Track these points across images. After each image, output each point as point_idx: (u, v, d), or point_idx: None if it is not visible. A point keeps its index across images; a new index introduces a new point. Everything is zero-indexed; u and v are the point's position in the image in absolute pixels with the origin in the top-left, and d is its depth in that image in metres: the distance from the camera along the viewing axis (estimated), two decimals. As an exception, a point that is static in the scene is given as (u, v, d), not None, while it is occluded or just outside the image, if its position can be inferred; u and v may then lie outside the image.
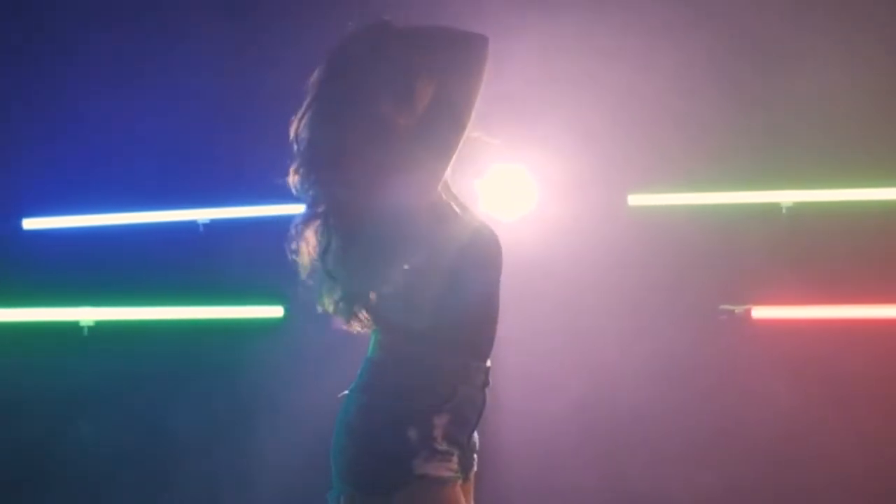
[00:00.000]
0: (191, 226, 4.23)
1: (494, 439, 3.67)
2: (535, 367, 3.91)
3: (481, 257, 2.04)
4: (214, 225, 4.23)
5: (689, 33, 3.79)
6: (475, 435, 2.12)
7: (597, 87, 3.83)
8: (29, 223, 4.31)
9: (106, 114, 4.07)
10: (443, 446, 1.98)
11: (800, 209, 3.86)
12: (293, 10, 4.01)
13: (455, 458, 2.02)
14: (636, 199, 3.95)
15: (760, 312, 3.88)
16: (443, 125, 1.96)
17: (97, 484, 4.12)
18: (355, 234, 1.97)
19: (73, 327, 4.21)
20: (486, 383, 2.09)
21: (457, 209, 2.10)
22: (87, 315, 4.22)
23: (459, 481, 2.03)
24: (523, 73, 3.82)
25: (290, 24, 3.98)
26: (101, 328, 4.21)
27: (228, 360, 4.11)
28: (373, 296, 2.01)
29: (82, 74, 4.10)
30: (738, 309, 3.85)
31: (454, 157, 1.98)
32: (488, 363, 2.10)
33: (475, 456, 2.14)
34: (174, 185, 4.19)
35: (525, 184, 3.95)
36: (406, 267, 1.96)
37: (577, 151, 3.90)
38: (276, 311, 4.13)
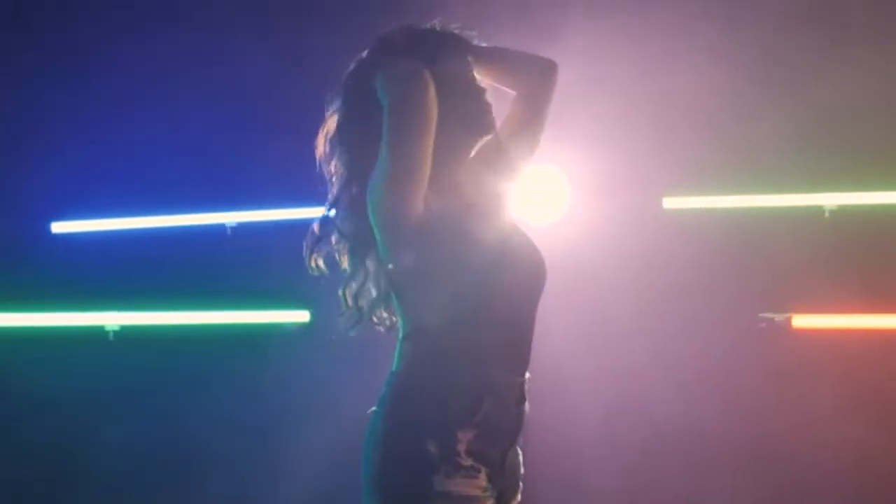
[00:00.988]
0: (219, 229, 4.21)
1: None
2: (566, 373, 3.78)
3: (503, 264, 1.94)
4: (242, 228, 4.21)
5: (726, 33, 3.70)
6: (516, 455, 2.02)
7: (632, 86, 3.74)
8: (57, 227, 4.30)
9: (134, 117, 4.06)
10: (468, 462, 1.89)
11: (844, 213, 3.75)
12: (324, 15, 3.98)
13: (483, 475, 1.92)
14: (672, 202, 3.87)
15: (801, 321, 3.77)
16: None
17: (122, 488, 4.10)
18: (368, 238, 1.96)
19: (98, 332, 4.18)
20: (520, 399, 1.99)
21: (487, 213, 2.00)
22: (112, 320, 4.20)
23: (490, 502, 1.94)
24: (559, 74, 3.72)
25: (321, 29, 3.94)
26: (126, 332, 4.19)
27: (254, 365, 4.09)
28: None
29: (112, 78, 4.08)
30: (778, 317, 3.75)
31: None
32: (524, 377, 1.99)
33: (519, 482, 2.03)
34: (202, 189, 4.17)
35: (557, 186, 3.86)
36: (391, 266, 1.92)
37: (611, 152, 3.81)
38: (302, 316, 4.09)
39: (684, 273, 3.78)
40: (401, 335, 2.00)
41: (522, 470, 2.06)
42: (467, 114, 2.01)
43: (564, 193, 3.88)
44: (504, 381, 1.96)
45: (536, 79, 2.20)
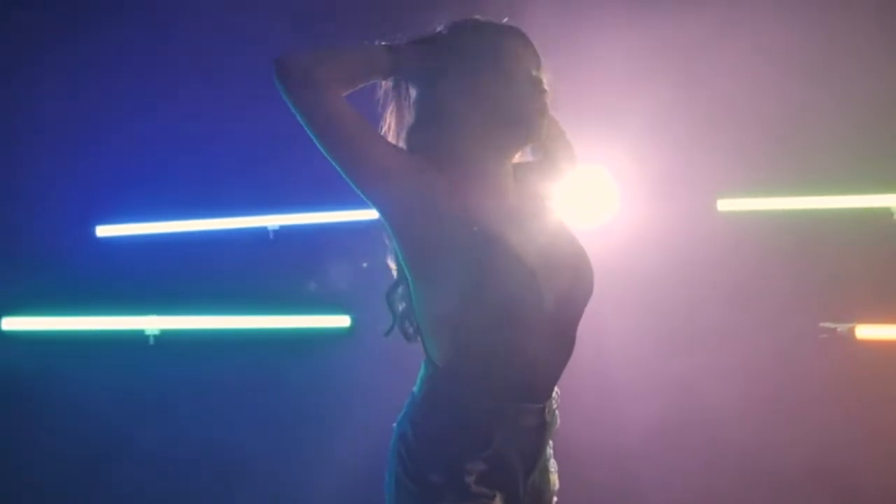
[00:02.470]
0: (261, 233, 4.16)
1: (575, 451, 3.54)
2: (616, 382, 3.69)
3: (499, 287, 1.80)
4: (284, 232, 4.15)
5: (782, 30, 3.55)
6: (544, 473, 1.93)
7: (684, 83, 3.61)
8: (102, 230, 4.28)
9: (180, 121, 4.03)
10: (479, 489, 1.82)
11: (913, 215, 3.59)
12: (361, 18, 3.90)
13: (498, 500, 1.84)
14: (726, 204, 3.73)
15: (866, 332, 3.60)
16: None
17: (160, 491, 4.06)
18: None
19: (139, 336, 4.15)
20: (542, 423, 1.88)
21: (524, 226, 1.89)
22: (152, 324, 4.16)
23: None
24: (607, 69, 3.64)
25: (359, 32, 3.85)
26: (166, 336, 4.15)
27: (294, 370, 4.03)
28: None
29: (158, 82, 4.06)
30: (841, 327, 3.58)
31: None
32: (544, 403, 1.88)
33: (549, 501, 1.95)
34: (245, 192, 4.12)
35: (606, 187, 3.73)
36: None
37: (663, 151, 3.68)
38: (342, 321, 4.01)
39: (739, 279, 3.64)
40: (424, 357, 1.94)
41: (556, 486, 1.98)
42: (514, 117, 1.89)
43: (613, 195, 3.75)
44: (520, 411, 1.86)
45: None
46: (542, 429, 1.90)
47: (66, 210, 4.20)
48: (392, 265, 1.97)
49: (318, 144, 1.81)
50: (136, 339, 4.15)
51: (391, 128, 1.97)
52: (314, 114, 1.78)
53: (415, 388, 1.92)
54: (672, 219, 3.71)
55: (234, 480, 4.04)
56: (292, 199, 4.07)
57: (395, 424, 1.93)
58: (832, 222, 3.62)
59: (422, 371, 1.92)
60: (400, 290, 1.95)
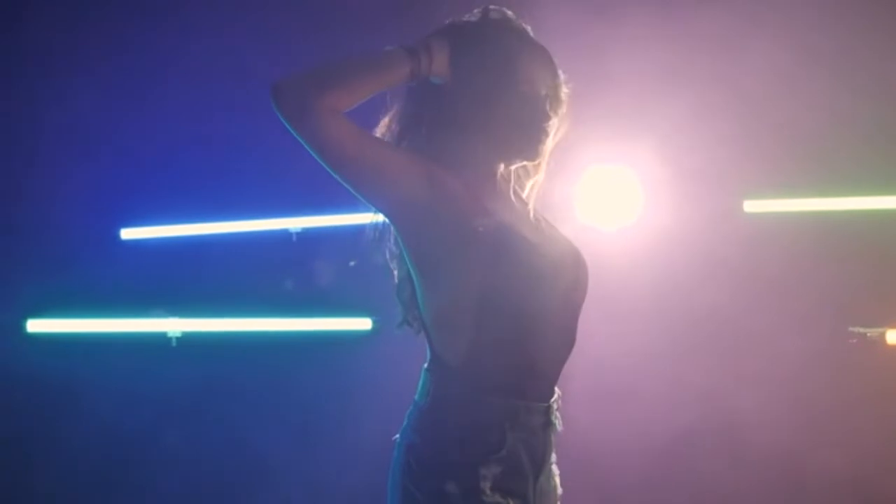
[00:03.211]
0: (284, 235, 4.14)
1: (597, 456, 3.54)
2: (640, 385, 3.62)
3: (519, 274, 1.80)
4: (307, 234, 4.13)
5: (811, 30, 3.47)
6: (549, 478, 1.91)
7: (711, 83, 3.53)
8: (127, 233, 4.28)
9: (203, 124, 4.04)
10: (493, 497, 1.78)
11: (947, 217, 3.49)
12: (388, 21, 3.87)
13: None
14: (753, 205, 3.64)
15: None
16: None
17: (182, 492, 4.05)
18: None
19: (161, 338, 4.14)
20: (547, 423, 1.87)
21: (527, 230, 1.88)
22: (174, 326, 4.15)
23: None
24: (630, 63, 3.57)
25: (381, 36, 3.83)
26: (188, 339, 4.13)
27: (315, 373, 4.01)
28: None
29: (181, 85, 4.05)
30: (871, 332, 3.49)
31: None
32: (549, 402, 1.87)
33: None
34: (268, 194, 4.11)
35: (629, 187, 3.66)
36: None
37: (689, 152, 3.59)
38: (364, 324, 3.97)
39: (766, 282, 3.56)
40: (425, 363, 1.92)
41: (560, 491, 1.95)
42: (520, 133, 1.89)
43: (637, 196, 3.67)
44: (528, 409, 1.84)
45: None
46: (547, 429, 1.88)
47: (90, 213, 4.20)
48: (393, 265, 1.96)
49: (319, 162, 1.80)
50: (158, 341, 4.14)
51: (392, 128, 1.94)
52: (312, 141, 1.78)
53: (417, 397, 1.90)
54: (698, 220, 3.63)
55: (256, 482, 4.04)
56: (315, 202, 4.04)
57: (397, 437, 1.90)
58: (862, 224, 3.53)
59: (424, 378, 1.90)
60: (407, 289, 1.93)
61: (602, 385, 3.64)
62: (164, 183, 4.17)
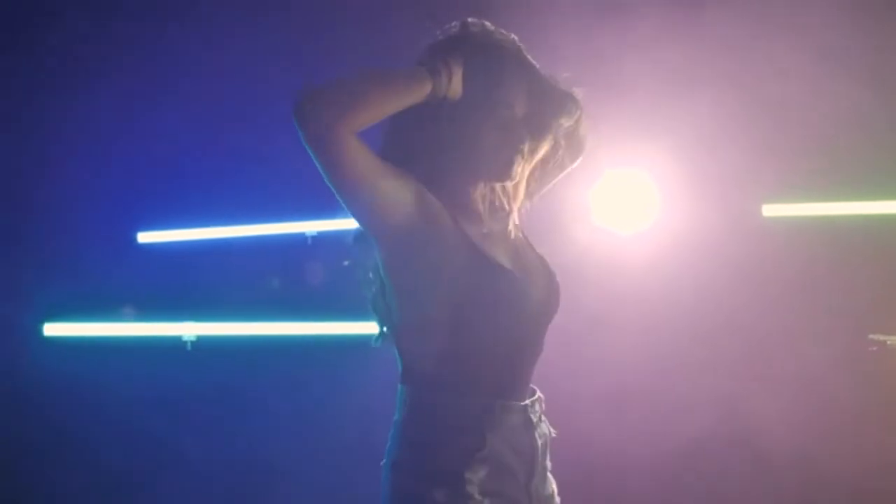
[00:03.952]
0: (299, 239, 4.13)
1: (616, 464, 3.54)
2: (657, 391, 3.59)
3: (490, 298, 1.81)
4: (323, 237, 4.10)
5: (832, 32, 3.41)
6: (544, 483, 1.92)
7: (728, 82, 3.49)
8: (143, 237, 4.28)
9: (218, 128, 4.03)
10: (484, 502, 1.79)
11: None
12: (412, 27, 3.84)
13: None
14: (772, 209, 3.60)
15: None
16: None
17: (198, 495, 4.06)
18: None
19: (176, 341, 4.14)
20: (527, 422, 1.87)
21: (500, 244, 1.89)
22: (189, 330, 4.15)
23: None
24: (646, 66, 3.52)
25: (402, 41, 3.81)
26: (204, 343, 4.13)
27: (330, 376, 4.00)
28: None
29: (198, 89, 4.04)
30: (892, 340, 3.39)
31: None
32: (525, 401, 1.88)
33: None
34: (284, 198, 4.10)
35: (645, 191, 3.63)
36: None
37: (705, 154, 3.56)
38: (377, 328, 3.94)
39: (785, 288, 3.51)
40: (399, 377, 1.93)
41: (558, 500, 1.96)
42: (487, 155, 1.87)
43: (654, 200, 3.65)
44: (505, 407, 1.85)
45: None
46: (528, 427, 1.88)
47: (107, 216, 4.21)
48: (367, 278, 1.94)
49: (322, 175, 1.77)
50: (173, 345, 4.15)
51: (387, 146, 1.91)
52: (326, 159, 1.74)
53: (396, 416, 1.90)
54: (715, 224, 3.59)
55: (270, 486, 4.03)
56: (331, 205, 4.01)
57: (383, 462, 1.89)
58: (883, 229, 3.49)
59: (399, 392, 1.90)
60: (381, 302, 1.93)
61: (617, 390, 3.60)
62: (181, 187, 4.17)
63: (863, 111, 3.42)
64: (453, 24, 1.93)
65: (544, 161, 1.98)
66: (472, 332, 1.82)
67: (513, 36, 1.93)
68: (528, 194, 2.02)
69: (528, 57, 1.92)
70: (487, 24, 1.93)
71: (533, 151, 1.92)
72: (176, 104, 4.06)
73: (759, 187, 3.58)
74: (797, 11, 3.44)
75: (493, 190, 1.96)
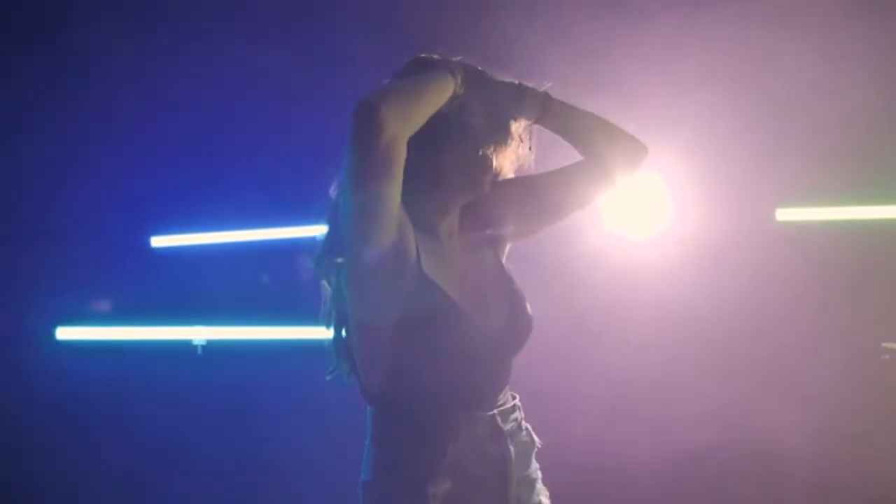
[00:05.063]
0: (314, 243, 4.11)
1: (629, 472, 3.50)
2: (667, 399, 3.53)
3: (429, 328, 1.79)
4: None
5: (846, 33, 3.35)
6: (530, 493, 1.91)
7: (741, 84, 3.44)
8: (157, 241, 4.27)
9: (234, 132, 4.04)
10: None
11: None
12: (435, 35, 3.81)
13: None
14: (786, 213, 3.54)
15: None
16: None
17: (205, 499, 4.06)
18: None
19: (187, 345, 4.15)
20: (496, 433, 1.85)
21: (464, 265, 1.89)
22: (199, 334, 4.15)
23: None
24: (655, 67, 3.49)
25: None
26: (213, 347, 4.13)
27: (341, 382, 3.91)
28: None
29: (212, 94, 4.04)
30: (905, 348, 3.37)
31: None
32: (493, 411, 1.86)
33: None
34: (298, 202, 4.05)
35: (657, 195, 3.56)
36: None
37: (718, 157, 3.51)
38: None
39: (797, 294, 3.45)
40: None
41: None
42: (459, 166, 1.86)
43: (665, 203, 3.58)
44: (469, 419, 1.83)
45: (620, 158, 2.03)
46: (498, 436, 1.85)
47: (121, 221, 4.20)
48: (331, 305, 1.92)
49: (351, 183, 1.73)
50: (184, 349, 4.14)
51: None
52: (371, 166, 1.70)
53: (367, 438, 1.92)
54: (727, 229, 3.53)
55: (281, 488, 4.02)
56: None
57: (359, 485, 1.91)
58: (897, 234, 3.43)
59: (368, 415, 1.91)
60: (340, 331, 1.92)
61: (629, 396, 3.56)
62: (195, 191, 4.15)
63: (878, 114, 3.37)
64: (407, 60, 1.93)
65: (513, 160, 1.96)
66: (414, 357, 1.80)
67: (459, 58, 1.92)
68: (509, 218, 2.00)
69: (478, 67, 1.91)
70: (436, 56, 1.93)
71: (500, 155, 1.90)
72: (191, 109, 4.06)
73: (773, 191, 3.52)
74: (811, 13, 3.38)
75: (469, 210, 1.95)
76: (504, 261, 2.04)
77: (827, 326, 3.44)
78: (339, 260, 1.88)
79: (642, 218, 3.57)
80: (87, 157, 4.16)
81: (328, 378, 1.98)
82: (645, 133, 3.39)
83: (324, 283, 1.93)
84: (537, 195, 2.01)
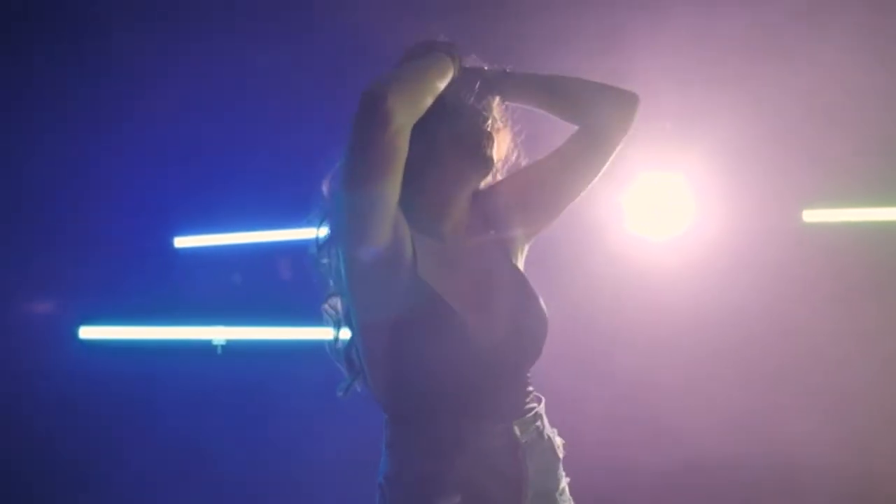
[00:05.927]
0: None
1: (644, 481, 3.43)
2: (690, 408, 3.42)
3: (427, 333, 1.73)
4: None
5: (874, 32, 3.29)
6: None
7: (767, 82, 3.35)
8: (180, 241, 4.26)
9: (258, 132, 4.01)
10: None
11: None
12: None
13: None
14: (813, 215, 3.45)
15: None
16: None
17: (225, 498, 4.07)
18: None
19: (207, 345, 4.14)
20: (512, 444, 1.77)
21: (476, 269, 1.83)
22: (218, 334, 4.14)
23: None
24: (686, 71, 3.41)
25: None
26: (233, 347, 4.12)
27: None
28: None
29: (234, 95, 4.02)
30: (936, 351, 3.25)
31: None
32: (510, 422, 1.78)
33: None
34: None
35: (681, 196, 3.51)
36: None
37: (743, 156, 3.43)
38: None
39: (825, 296, 3.35)
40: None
41: None
42: (461, 147, 1.81)
43: (689, 204, 3.52)
44: (482, 432, 1.76)
45: (610, 114, 1.92)
46: (514, 449, 1.77)
47: (144, 221, 4.21)
48: (335, 309, 1.89)
49: (350, 180, 1.70)
50: (204, 349, 4.13)
51: None
52: (375, 155, 1.67)
53: (382, 446, 1.88)
54: (753, 231, 3.45)
55: (301, 487, 4.00)
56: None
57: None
58: (931, 235, 3.33)
59: (383, 420, 1.86)
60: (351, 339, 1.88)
61: (651, 399, 3.49)
62: (218, 192, 4.13)
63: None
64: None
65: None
66: (410, 361, 1.74)
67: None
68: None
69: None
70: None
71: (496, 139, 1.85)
72: (215, 111, 4.05)
73: (800, 191, 3.44)
74: (839, 12, 3.29)
75: (476, 212, 1.89)
76: (519, 262, 1.96)
77: (854, 330, 3.33)
78: (326, 261, 1.87)
79: (664, 219, 3.52)
80: (112, 158, 4.15)
81: (340, 395, 1.94)
82: (668, 133, 3.37)
83: (330, 282, 1.89)
84: (539, 183, 1.94)
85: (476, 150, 1.81)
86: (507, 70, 1.90)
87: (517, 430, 1.78)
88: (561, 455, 1.88)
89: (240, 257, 4.15)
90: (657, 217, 3.49)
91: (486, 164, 1.83)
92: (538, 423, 1.83)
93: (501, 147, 1.88)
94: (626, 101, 1.94)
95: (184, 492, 4.10)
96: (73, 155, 4.18)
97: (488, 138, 1.82)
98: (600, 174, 1.96)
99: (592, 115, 1.90)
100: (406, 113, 1.65)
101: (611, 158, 1.96)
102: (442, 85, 1.74)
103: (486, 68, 1.89)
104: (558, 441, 1.88)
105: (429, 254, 1.79)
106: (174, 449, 4.09)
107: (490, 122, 1.83)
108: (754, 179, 3.44)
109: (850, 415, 3.31)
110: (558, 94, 1.91)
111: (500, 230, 1.92)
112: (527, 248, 1.99)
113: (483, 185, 1.93)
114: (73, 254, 4.18)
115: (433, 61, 1.76)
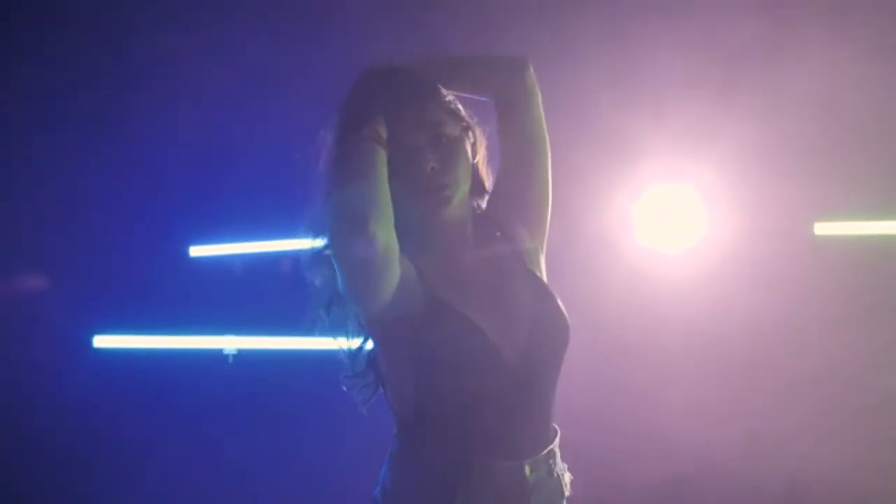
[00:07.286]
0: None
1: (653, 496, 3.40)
2: (699, 422, 3.40)
3: (445, 349, 1.71)
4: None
5: (888, 41, 3.26)
6: None
7: (779, 93, 3.33)
8: (195, 251, 4.29)
9: (273, 142, 3.96)
10: None
11: None
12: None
13: None
14: (824, 227, 3.41)
15: None
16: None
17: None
18: None
19: (218, 355, 4.16)
20: (521, 483, 1.73)
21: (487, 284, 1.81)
22: (230, 343, 4.15)
23: None
24: (696, 82, 3.38)
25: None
26: (245, 356, 4.13)
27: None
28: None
29: (252, 104, 4.03)
30: (952, 367, 3.20)
31: None
32: (523, 461, 1.74)
33: None
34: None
35: (691, 208, 3.49)
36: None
37: (755, 168, 3.40)
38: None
39: (838, 311, 3.31)
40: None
41: None
42: (414, 193, 1.79)
43: (700, 216, 3.50)
44: (492, 467, 1.71)
45: (504, 82, 1.90)
46: (522, 489, 1.74)
47: (160, 230, 4.24)
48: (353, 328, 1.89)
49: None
50: (216, 358, 4.15)
51: None
52: (373, 277, 1.71)
53: (385, 461, 1.85)
54: (764, 243, 3.41)
55: (313, 496, 3.98)
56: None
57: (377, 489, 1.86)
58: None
59: (394, 428, 1.84)
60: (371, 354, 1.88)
61: (662, 413, 3.47)
62: (234, 201, 4.14)
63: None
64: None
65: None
66: (433, 386, 1.71)
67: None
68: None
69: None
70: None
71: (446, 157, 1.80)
72: (231, 121, 4.07)
73: (811, 204, 3.40)
74: (851, 23, 3.27)
75: (482, 222, 1.88)
76: (537, 269, 1.93)
77: (868, 346, 3.29)
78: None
79: (675, 231, 3.50)
80: (127, 166, 4.18)
81: (363, 411, 1.93)
82: (679, 143, 3.36)
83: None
84: (505, 173, 1.93)
85: (426, 193, 1.78)
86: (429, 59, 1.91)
87: (528, 470, 1.75)
88: (567, 493, 1.84)
89: (255, 266, 4.14)
90: (668, 229, 3.47)
91: (441, 201, 1.78)
92: (550, 461, 1.80)
93: (468, 155, 1.84)
94: (512, 65, 1.92)
95: (196, 499, 4.12)
96: (91, 164, 4.21)
97: (431, 176, 1.77)
98: (540, 140, 1.94)
99: (490, 86, 1.92)
100: (389, 230, 1.66)
101: (535, 124, 1.93)
102: (384, 170, 1.73)
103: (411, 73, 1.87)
104: (567, 479, 1.85)
105: (436, 273, 1.78)
106: (186, 457, 4.11)
107: (427, 155, 1.78)
108: (765, 191, 3.40)
109: (866, 434, 3.27)
110: (458, 71, 1.91)
111: (506, 235, 1.91)
112: (542, 255, 1.98)
113: (483, 184, 1.93)
114: (88, 263, 4.21)
115: (370, 159, 1.75)
